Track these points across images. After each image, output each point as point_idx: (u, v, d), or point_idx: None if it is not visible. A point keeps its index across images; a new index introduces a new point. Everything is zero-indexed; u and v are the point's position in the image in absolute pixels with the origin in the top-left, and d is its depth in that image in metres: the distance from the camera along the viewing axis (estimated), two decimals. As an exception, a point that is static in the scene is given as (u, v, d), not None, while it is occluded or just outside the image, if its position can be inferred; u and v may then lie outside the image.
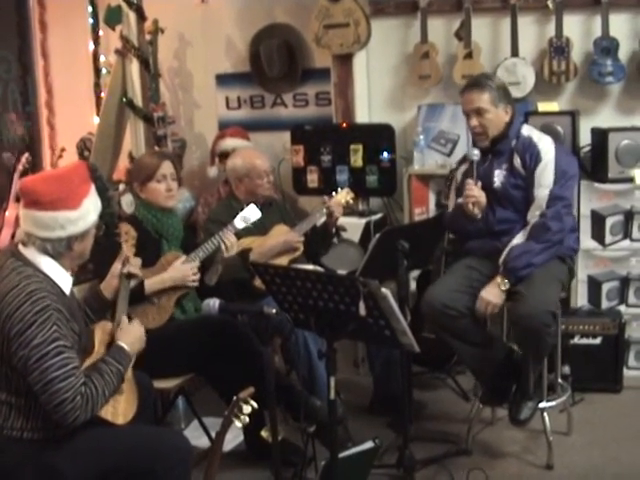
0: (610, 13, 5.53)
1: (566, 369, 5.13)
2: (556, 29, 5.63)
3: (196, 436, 4.61)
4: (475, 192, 4.49)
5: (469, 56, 5.79)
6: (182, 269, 4.45)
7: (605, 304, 5.55)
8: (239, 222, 4.61)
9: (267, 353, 3.56)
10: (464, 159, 4.79)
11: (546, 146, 4.49)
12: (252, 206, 4.69)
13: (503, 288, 4.36)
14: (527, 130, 4.61)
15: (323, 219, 5.13)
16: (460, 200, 4.58)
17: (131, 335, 3.53)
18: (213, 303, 3.65)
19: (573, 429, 4.82)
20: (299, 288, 3.57)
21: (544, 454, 4.50)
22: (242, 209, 4.71)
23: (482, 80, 4.58)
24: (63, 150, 6.76)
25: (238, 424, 3.35)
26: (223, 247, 4.53)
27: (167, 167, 4.60)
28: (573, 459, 4.54)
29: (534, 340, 4.28)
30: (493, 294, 4.37)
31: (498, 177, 4.55)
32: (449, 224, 4.82)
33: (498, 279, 4.38)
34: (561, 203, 4.41)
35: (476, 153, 4.52)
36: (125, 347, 3.43)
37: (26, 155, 6.19)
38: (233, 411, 3.35)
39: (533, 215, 4.43)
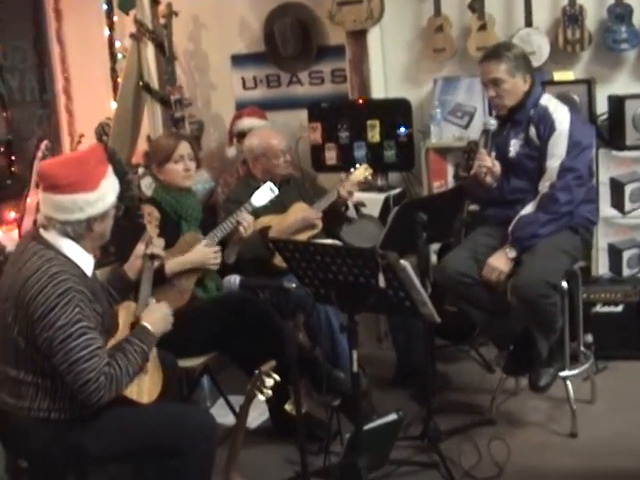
0: (623, -21, 5.50)
1: (589, 337, 5.13)
2: (569, -3, 5.61)
3: (222, 414, 4.65)
4: (488, 162, 4.49)
5: (483, 28, 5.77)
6: (203, 252, 4.47)
7: (626, 272, 5.55)
8: (256, 200, 4.63)
9: (288, 327, 3.58)
10: (485, 132, 4.76)
11: (561, 116, 4.47)
12: (268, 184, 4.71)
13: (511, 256, 4.37)
14: (546, 100, 4.59)
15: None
16: (474, 169, 4.59)
17: (156, 315, 3.55)
18: (234, 279, 3.68)
19: (597, 397, 4.83)
20: (318, 263, 3.59)
21: (568, 423, 4.52)
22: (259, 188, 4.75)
23: (500, 50, 4.55)
24: (82, 136, 6.78)
25: (261, 397, 3.39)
26: (241, 228, 4.56)
27: (184, 148, 4.61)
28: (597, 427, 4.55)
29: (532, 310, 4.29)
30: (500, 261, 4.39)
31: (514, 147, 4.54)
32: (468, 193, 4.84)
33: (506, 247, 4.40)
34: (571, 175, 4.39)
35: (492, 123, 4.53)
36: (149, 327, 3.45)
37: (45, 142, 6.21)
38: (256, 384, 3.38)
39: (543, 186, 4.42)
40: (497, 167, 4.51)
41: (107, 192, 3.39)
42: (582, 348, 4.86)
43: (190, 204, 4.66)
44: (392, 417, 4.09)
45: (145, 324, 3.46)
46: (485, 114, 5.56)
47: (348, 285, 3.54)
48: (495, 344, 4.77)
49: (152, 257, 3.97)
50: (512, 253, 4.38)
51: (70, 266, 3.25)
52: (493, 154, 4.51)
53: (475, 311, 4.52)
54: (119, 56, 6.72)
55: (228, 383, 4.84)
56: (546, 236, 4.35)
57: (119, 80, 6.52)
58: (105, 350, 3.20)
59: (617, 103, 5.49)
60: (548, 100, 4.59)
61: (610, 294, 5.36)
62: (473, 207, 5.12)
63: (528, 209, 4.43)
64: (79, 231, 3.32)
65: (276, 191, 4.70)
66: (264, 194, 4.66)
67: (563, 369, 4.56)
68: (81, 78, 7.19)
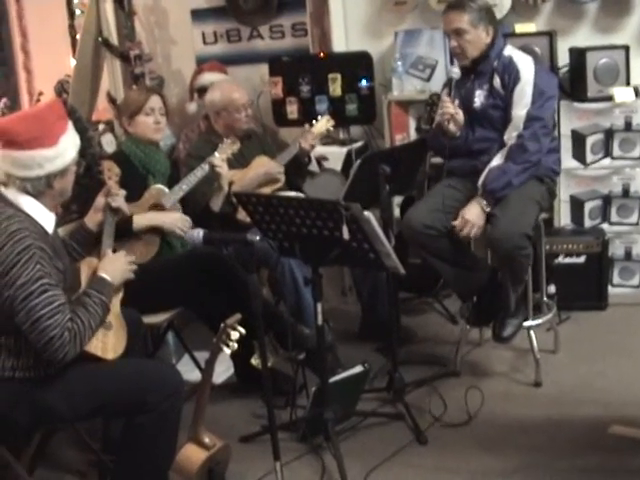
0: None
1: (551, 288, 5.20)
2: (531, -51, 5.59)
3: (187, 370, 4.65)
4: (451, 109, 4.48)
5: (445, -20, 5.74)
6: (173, 217, 4.46)
7: (588, 223, 5.58)
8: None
9: (253, 281, 3.57)
10: (449, 81, 4.74)
11: (526, 66, 4.47)
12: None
13: (487, 210, 4.37)
14: (509, 50, 4.58)
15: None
16: (437, 117, 4.58)
17: (113, 265, 3.53)
18: (197, 233, 3.67)
19: (560, 347, 4.89)
20: (282, 215, 3.59)
21: (532, 372, 4.57)
22: (222, 142, 4.73)
23: (464, 1, 4.52)
24: (41, 94, 6.69)
25: (227, 351, 3.38)
26: (217, 168, 4.61)
27: (155, 101, 4.63)
28: (560, 376, 4.61)
29: (508, 262, 4.32)
30: (475, 214, 4.36)
31: (478, 97, 4.54)
32: (430, 143, 4.81)
33: (479, 200, 4.38)
34: (538, 124, 4.40)
35: (456, 71, 4.54)
36: (106, 277, 3.42)
37: (4, 100, 6.13)
38: (221, 338, 3.38)
39: (510, 136, 4.42)
40: (460, 115, 4.51)
41: (67, 148, 3.34)
42: (545, 299, 4.90)
43: (158, 159, 4.66)
44: (358, 369, 4.13)
45: (102, 275, 3.43)
46: (447, 66, 5.54)
47: (312, 238, 3.55)
48: (459, 296, 4.79)
49: (113, 211, 3.94)
50: (485, 206, 4.37)
51: (30, 223, 3.21)
52: (456, 102, 4.51)
53: (439, 263, 4.52)
54: (77, 12, 6.61)
55: (193, 339, 4.85)
56: (518, 186, 4.36)
57: (78, 36, 6.42)
58: (67, 306, 3.17)
59: (578, 55, 5.50)
60: (511, 50, 4.59)
61: (572, 245, 5.41)
62: (436, 160, 5.11)
63: (497, 160, 4.42)
64: (39, 188, 3.28)
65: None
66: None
67: (526, 319, 4.59)
68: (39, 35, 7.09)
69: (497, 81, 4.49)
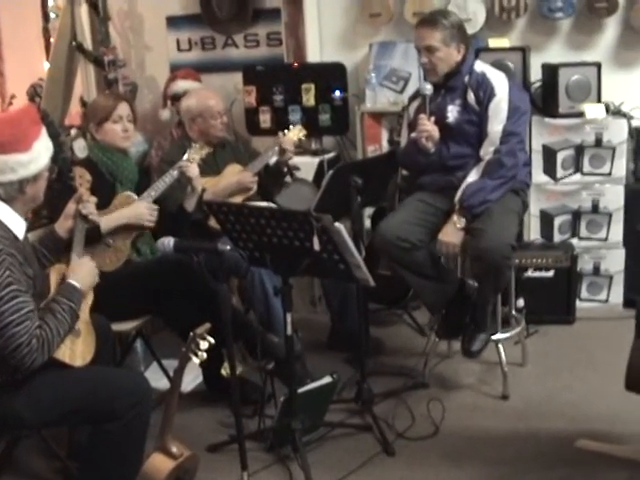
0: (559, -53, 5.53)
1: (520, 302, 5.23)
2: (506, -36, 5.64)
3: (156, 378, 4.62)
4: (428, 126, 4.48)
5: (420, -7, 5.78)
6: (138, 206, 4.44)
7: (557, 237, 5.63)
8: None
9: (223, 290, 3.56)
10: (416, 94, 4.78)
11: (500, 82, 4.48)
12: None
13: (459, 226, 4.38)
14: (480, 66, 4.59)
15: (275, 158, 5.14)
16: (413, 135, 4.57)
17: (80, 271, 3.51)
18: (168, 241, 3.66)
19: (528, 360, 4.92)
20: (253, 225, 3.60)
21: (500, 385, 4.58)
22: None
23: (436, 17, 4.53)
24: (13, 97, 6.69)
25: (196, 360, 3.38)
26: (186, 169, 4.61)
27: (124, 108, 4.59)
28: (528, 389, 4.63)
29: (494, 273, 4.31)
30: (451, 235, 4.39)
31: (452, 112, 4.54)
32: (402, 159, 4.83)
33: (454, 218, 4.39)
34: (515, 139, 4.42)
35: (428, 88, 4.51)
36: (75, 283, 3.40)
37: (-25, 103, 6.13)
38: (190, 347, 3.38)
39: (487, 151, 4.44)
40: (436, 132, 4.51)
41: (40, 153, 3.33)
42: (514, 312, 4.93)
43: (126, 166, 4.62)
44: (326, 380, 4.13)
45: (71, 281, 3.41)
46: (420, 79, 5.55)
47: (282, 248, 3.55)
48: (428, 308, 4.81)
49: (84, 218, 3.92)
50: (461, 223, 4.38)
51: (1, 228, 3.19)
52: (432, 119, 4.51)
53: (410, 275, 4.52)
54: (52, 15, 6.61)
55: (162, 347, 4.82)
56: (494, 201, 4.37)
57: (52, 40, 6.41)
58: (36, 313, 3.16)
59: (551, 71, 5.55)
60: (483, 66, 4.60)
61: (541, 259, 5.44)
62: (406, 171, 5.13)
63: (473, 176, 4.43)
64: (11, 193, 3.27)
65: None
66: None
67: (495, 333, 4.61)
68: (13, 38, 7.08)
69: (471, 97, 4.50)
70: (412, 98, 4.85)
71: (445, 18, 4.52)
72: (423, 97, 4.55)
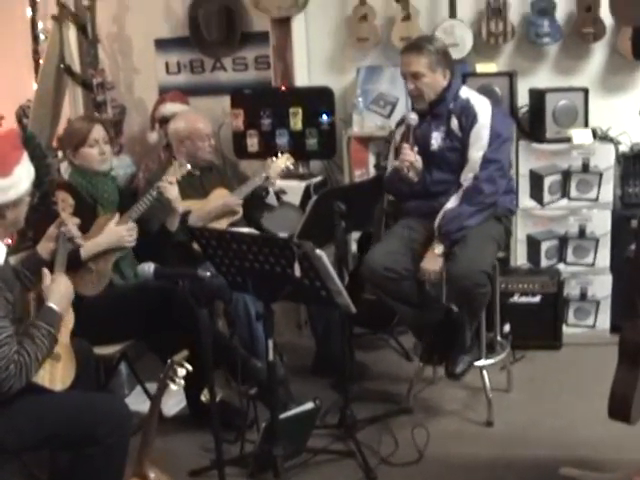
0: (547, -27, 5.56)
1: (506, 327, 5.20)
2: (493, -10, 5.65)
3: (139, 401, 4.63)
4: (411, 156, 4.47)
5: (407, 18, 5.78)
6: (116, 230, 4.41)
7: (544, 263, 5.63)
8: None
9: (203, 316, 3.55)
10: (402, 121, 4.77)
11: (483, 108, 4.48)
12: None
13: (438, 252, 4.40)
14: (465, 92, 4.60)
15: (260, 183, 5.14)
16: (396, 163, 4.57)
17: (57, 291, 3.46)
18: (148, 267, 3.65)
19: (513, 386, 4.90)
20: (235, 251, 3.60)
21: (484, 411, 4.57)
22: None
23: (422, 43, 4.54)
24: (2, 118, 6.66)
25: (174, 387, 3.37)
26: (165, 188, 4.56)
27: (98, 131, 4.57)
28: (512, 415, 4.61)
29: (468, 299, 4.33)
30: (431, 262, 4.41)
31: (435, 139, 4.54)
32: (387, 186, 4.82)
33: (434, 245, 4.41)
34: (494, 166, 4.42)
35: (413, 117, 4.51)
36: (52, 306, 3.37)
37: (-37, 124, 6.11)
38: (168, 374, 3.36)
39: (466, 177, 4.44)
40: (419, 162, 4.50)
41: (21, 178, 3.34)
42: (499, 338, 4.92)
43: (106, 188, 4.61)
44: (309, 406, 4.11)
45: (49, 304, 3.38)
46: (407, 105, 5.56)
47: (264, 274, 3.55)
48: (414, 334, 4.80)
49: (67, 239, 3.90)
50: (439, 249, 4.40)
51: (-21, 253, 3.19)
52: (415, 149, 4.49)
53: (398, 304, 4.54)
54: (41, 37, 6.59)
55: (146, 370, 4.80)
56: (473, 227, 4.38)
57: (41, 62, 6.42)
58: (14, 338, 3.14)
59: (538, 96, 5.57)
60: (468, 92, 4.61)
61: (528, 284, 5.44)
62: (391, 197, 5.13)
63: (452, 203, 4.44)
64: (-10, 217, 3.27)
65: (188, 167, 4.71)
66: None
67: (479, 358, 4.60)
68: (2, 59, 7.04)
69: (454, 123, 4.50)
70: (398, 124, 4.85)
71: (430, 44, 4.53)
72: (408, 126, 4.54)
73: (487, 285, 4.34)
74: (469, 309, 4.40)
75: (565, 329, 5.55)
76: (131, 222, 4.46)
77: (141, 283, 4.46)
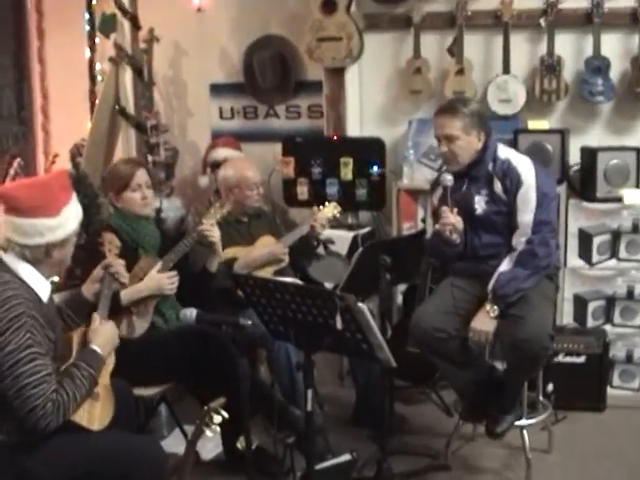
0: (602, 32, 5.54)
1: (549, 387, 5.14)
2: (548, 47, 5.64)
3: (178, 443, 4.60)
4: (451, 219, 4.37)
5: (461, 72, 5.80)
6: (158, 278, 4.45)
7: (591, 323, 5.56)
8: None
9: (243, 364, 3.56)
10: (437, 183, 4.65)
11: (526, 169, 4.39)
12: None
13: (492, 315, 4.31)
14: (504, 152, 4.49)
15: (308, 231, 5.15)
16: (437, 226, 4.46)
17: (102, 335, 3.51)
18: (190, 313, 3.67)
19: (554, 447, 4.83)
20: (278, 300, 3.59)
21: (523, 471, 4.50)
22: (232, 219, 4.78)
23: (455, 105, 4.48)
24: (56, 156, 6.75)
25: (209, 434, 3.36)
26: (205, 232, 4.58)
27: (141, 175, 4.60)
28: (551, 477, 4.56)
29: (532, 363, 4.26)
30: (485, 323, 4.32)
31: (479, 204, 4.45)
32: (429, 250, 4.75)
33: (487, 307, 4.32)
34: (546, 228, 4.36)
35: (449, 179, 4.40)
36: (97, 349, 3.42)
37: (18, 160, 6.18)
38: (204, 420, 3.36)
39: (519, 241, 4.36)
40: (460, 223, 4.41)
41: (69, 219, 3.39)
42: (541, 398, 4.86)
43: (147, 232, 4.64)
44: (345, 457, 4.08)
45: (93, 346, 3.43)
46: (441, 170, 5.47)
47: (306, 324, 3.54)
48: (456, 392, 4.74)
49: (113, 278, 3.94)
50: (494, 312, 4.31)
51: (25, 290, 3.23)
52: (455, 210, 4.40)
53: (444, 363, 4.49)
54: (99, 78, 6.69)
55: (186, 412, 4.78)
56: (528, 290, 4.30)
57: (97, 102, 6.51)
58: (54, 377, 3.17)
59: (590, 155, 5.54)
60: (506, 152, 4.51)
61: (573, 344, 5.36)
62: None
63: (506, 265, 4.35)
64: (37, 256, 3.31)
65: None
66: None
67: (521, 418, 4.55)
68: (60, 98, 7.16)
69: (498, 186, 4.40)
70: (433, 186, 4.74)
71: (465, 106, 4.46)
72: (444, 188, 4.44)
73: (551, 348, 4.28)
74: (529, 373, 4.36)
75: (610, 391, 5.46)
76: (171, 269, 4.48)
77: (182, 326, 4.46)
